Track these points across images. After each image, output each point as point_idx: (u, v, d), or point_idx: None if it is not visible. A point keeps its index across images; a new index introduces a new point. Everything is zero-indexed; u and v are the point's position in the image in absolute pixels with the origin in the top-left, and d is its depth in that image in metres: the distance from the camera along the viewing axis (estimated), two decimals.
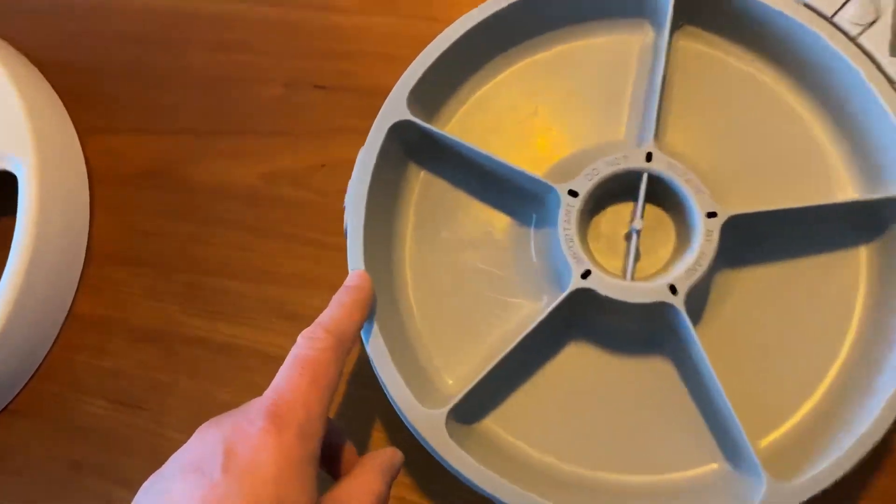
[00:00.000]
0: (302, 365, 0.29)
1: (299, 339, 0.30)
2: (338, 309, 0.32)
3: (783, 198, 0.37)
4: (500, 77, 0.42)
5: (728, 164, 0.39)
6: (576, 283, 0.35)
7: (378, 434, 0.43)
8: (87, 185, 0.50)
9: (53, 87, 0.52)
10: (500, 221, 0.40)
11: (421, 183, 0.40)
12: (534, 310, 0.39)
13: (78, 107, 0.52)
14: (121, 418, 0.46)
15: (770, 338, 0.37)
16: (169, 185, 0.49)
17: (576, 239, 0.36)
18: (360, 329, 0.33)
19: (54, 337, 0.48)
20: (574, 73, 0.41)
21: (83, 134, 0.51)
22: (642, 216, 0.37)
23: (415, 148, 0.39)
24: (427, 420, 0.34)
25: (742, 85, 0.40)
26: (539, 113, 0.41)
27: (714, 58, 0.41)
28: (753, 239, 0.37)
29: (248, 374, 0.45)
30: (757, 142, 0.39)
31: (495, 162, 0.38)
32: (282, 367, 0.29)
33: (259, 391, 0.28)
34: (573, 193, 0.36)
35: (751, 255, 0.37)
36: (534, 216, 0.39)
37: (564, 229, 0.36)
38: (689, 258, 0.35)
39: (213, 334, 0.45)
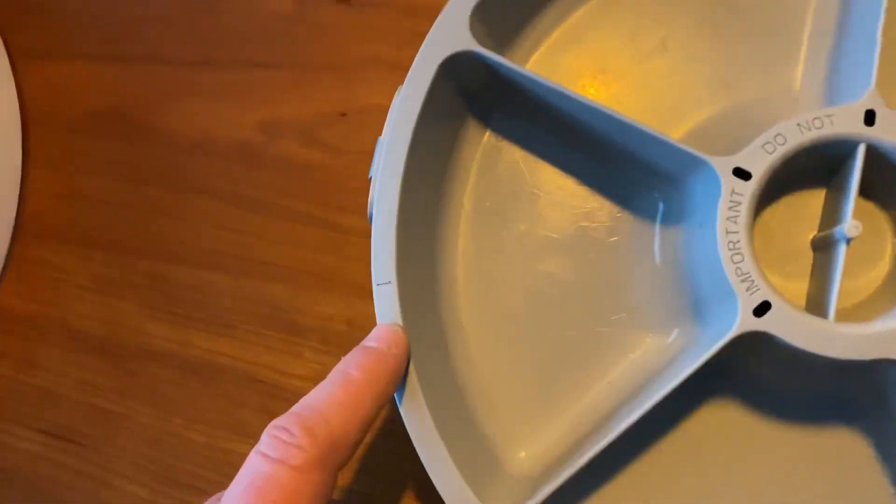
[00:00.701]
0: (258, 496, 0.19)
1: (263, 437, 0.20)
2: (338, 391, 0.21)
3: None
4: None
5: None
6: (745, 322, 0.23)
7: None
8: (19, 131, 0.41)
9: None
10: (602, 212, 0.28)
11: (485, 148, 0.29)
12: (655, 348, 0.27)
13: (12, 23, 0.43)
14: (54, 458, 0.37)
15: None
16: (130, 134, 0.39)
17: (745, 248, 0.24)
18: (367, 429, 0.22)
19: None
20: None
21: (18, 60, 0.42)
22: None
23: (477, 94, 0.29)
24: None
25: None
26: (669, 47, 0.29)
27: None
28: None
29: (230, 405, 0.35)
30: None
31: (609, 119, 0.25)
32: (228, 490, 0.19)
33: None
34: (743, 174, 0.24)
35: None
36: (661, 205, 0.28)
37: (728, 232, 0.24)
38: None
39: (183, 347, 0.36)
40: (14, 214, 0.40)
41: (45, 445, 0.37)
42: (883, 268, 0.25)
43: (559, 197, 0.29)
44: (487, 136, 0.29)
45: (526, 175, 0.29)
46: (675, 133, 0.28)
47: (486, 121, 0.29)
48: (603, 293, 0.28)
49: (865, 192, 0.25)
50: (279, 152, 0.36)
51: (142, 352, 0.37)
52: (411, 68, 0.27)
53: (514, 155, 0.29)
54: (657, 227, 0.27)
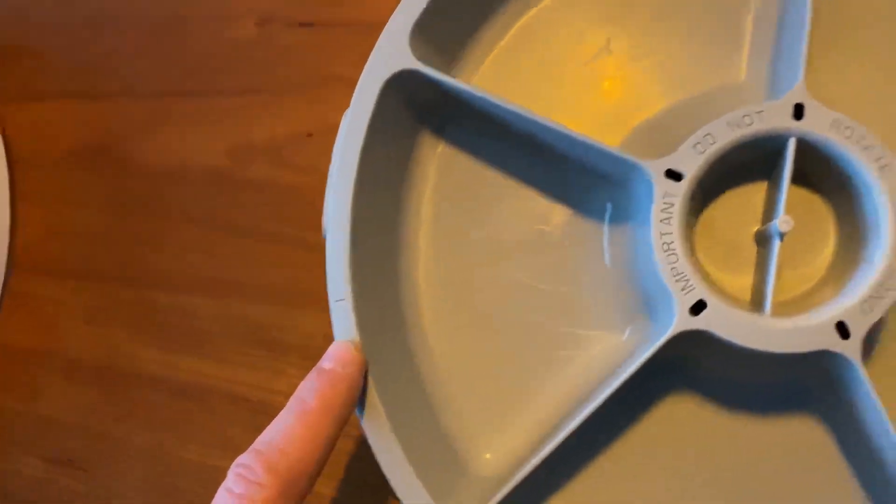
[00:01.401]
0: None
1: (229, 474, 0.20)
2: (296, 423, 0.21)
3: None
4: None
5: None
6: (682, 321, 0.23)
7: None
8: (6, 171, 0.41)
9: None
10: (557, 215, 0.28)
11: (439, 160, 0.29)
12: (611, 346, 0.27)
13: None
14: (57, 482, 0.38)
15: None
16: (111, 167, 0.40)
17: (679, 248, 0.23)
18: (328, 454, 0.22)
19: None
20: None
21: None
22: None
23: (428, 109, 0.28)
24: None
25: None
26: (613, 48, 0.29)
27: None
28: None
29: (218, 423, 0.35)
30: None
31: (549, 131, 0.25)
32: None
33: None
34: (674, 175, 0.24)
35: None
36: (609, 206, 0.27)
37: (662, 233, 0.24)
38: (867, 276, 0.23)
39: (171, 371, 0.37)
40: (6, 251, 0.40)
41: (50, 471, 0.38)
42: (826, 257, 0.25)
43: (515, 203, 0.28)
44: (442, 148, 0.29)
45: (481, 184, 0.29)
46: (621, 133, 0.27)
47: (440, 133, 0.29)
48: (560, 294, 0.27)
49: (807, 182, 0.25)
50: (251, 176, 0.36)
51: (135, 377, 0.37)
52: (356, 89, 0.27)
53: (469, 164, 0.29)
54: (606, 228, 0.27)
